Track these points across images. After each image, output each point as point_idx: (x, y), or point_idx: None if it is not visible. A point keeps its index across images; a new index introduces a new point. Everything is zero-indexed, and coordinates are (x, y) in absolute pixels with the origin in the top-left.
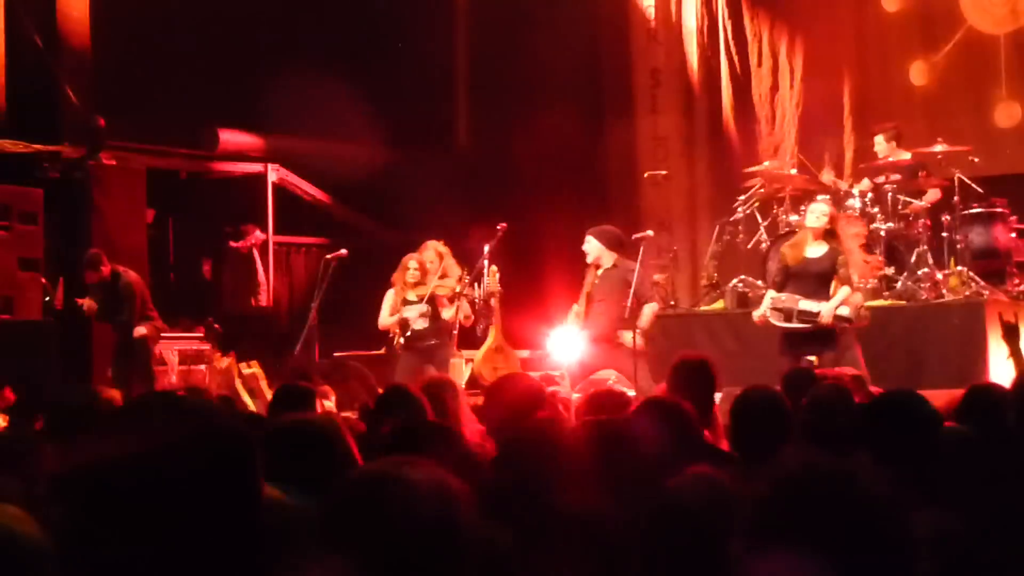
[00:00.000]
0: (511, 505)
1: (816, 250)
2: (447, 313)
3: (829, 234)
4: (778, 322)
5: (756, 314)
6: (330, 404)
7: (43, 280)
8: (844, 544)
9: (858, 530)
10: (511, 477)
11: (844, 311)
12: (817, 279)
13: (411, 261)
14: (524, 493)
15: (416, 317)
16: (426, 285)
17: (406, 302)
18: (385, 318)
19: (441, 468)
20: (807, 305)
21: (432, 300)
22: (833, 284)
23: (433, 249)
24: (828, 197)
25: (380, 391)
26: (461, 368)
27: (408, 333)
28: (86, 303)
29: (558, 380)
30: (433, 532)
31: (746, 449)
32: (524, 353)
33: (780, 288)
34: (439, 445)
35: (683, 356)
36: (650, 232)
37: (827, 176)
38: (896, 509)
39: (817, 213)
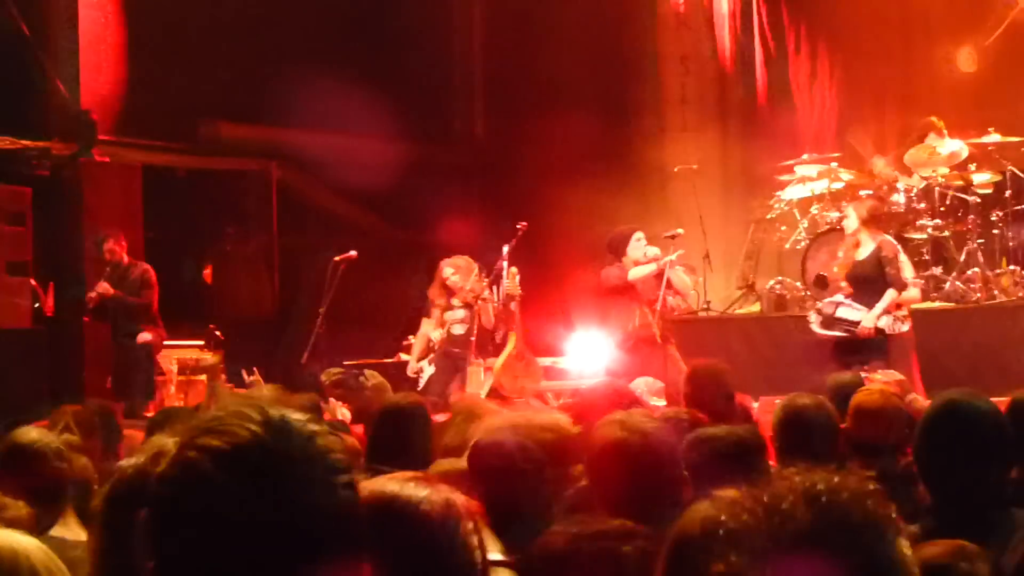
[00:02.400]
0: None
1: (863, 251)
2: (484, 319)
3: (868, 228)
4: (818, 328)
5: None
6: (346, 414)
7: (33, 283)
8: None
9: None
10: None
11: (884, 322)
12: (866, 282)
13: (446, 268)
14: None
15: (455, 322)
16: (464, 290)
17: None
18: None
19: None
20: (845, 313)
21: (468, 307)
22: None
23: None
24: (871, 192)
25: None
26: (479, 377)
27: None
28: (101, 286)
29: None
30: (441, 551)
31: (791, 460)
32: (546, 360)
33: (854, 296)
34: None
35: (695, 364)
36: (680, 230)
37: (878, 164)
38: (884, 528)
39: (850, 213)
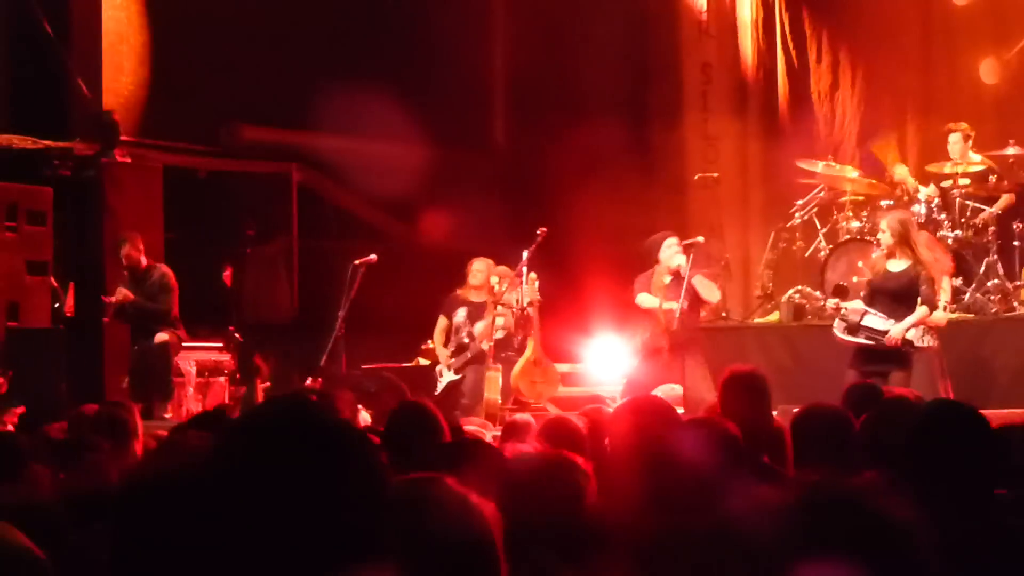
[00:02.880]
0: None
1: (897, 264)
2: (503, 321)
3: (904, 247)
4: (841, 333)
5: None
6: (366, 417)
7: (54, 283)
8: (854, 566)
9: (866, 554)
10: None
11: (912, 334)
12: (893, 296)
13: (477, 266)
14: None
15: (499, 328)
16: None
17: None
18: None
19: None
20: (872, 321)
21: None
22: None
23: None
24: (892, 203)
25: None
26: (497, 382)
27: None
28: (120, 292)
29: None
30: (463, 550)
31: (807, 468)
32: (564, 367)
33: (868, 302)
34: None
35: (733, 370)
36: (700, 238)
37: (899, 173)
38: (909, 532)
39: (884, 228)
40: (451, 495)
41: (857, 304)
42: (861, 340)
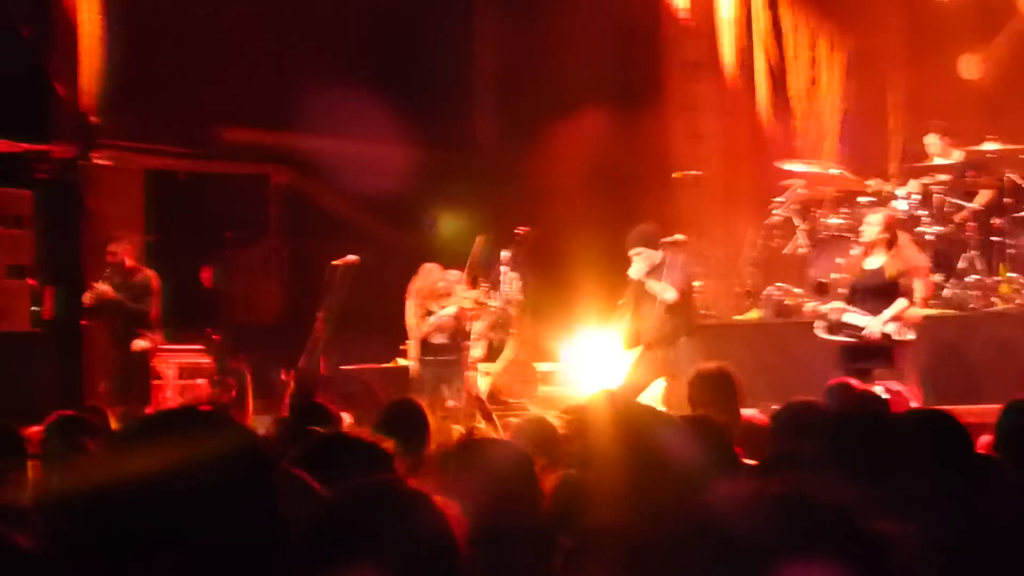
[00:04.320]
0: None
1: (874, 261)
2: (477, 326)
3: (887, 244)
4: (822, 333)
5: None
6: (346, 418)
7: (33, 282)
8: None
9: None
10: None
11: (891, 327)
12: (873, 292)
13: (435, 270)
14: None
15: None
16: (453, 296)
17: (429, 314)
18: (417, 327)
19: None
20: (852, 318)
21: (457, 314)
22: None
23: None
24: (874, 200)
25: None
26: (478, 382)
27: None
28: (100, 287)
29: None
30: (423, 553)
31: (787, 464)
32: (545, 366)
33: (850, 301)
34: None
35: (701, 368)
36: (682, 236)
37: (874, 183)
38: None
39: (872, 222)
40: (412, 497)
41: (836, 303)
42: (843, 338)
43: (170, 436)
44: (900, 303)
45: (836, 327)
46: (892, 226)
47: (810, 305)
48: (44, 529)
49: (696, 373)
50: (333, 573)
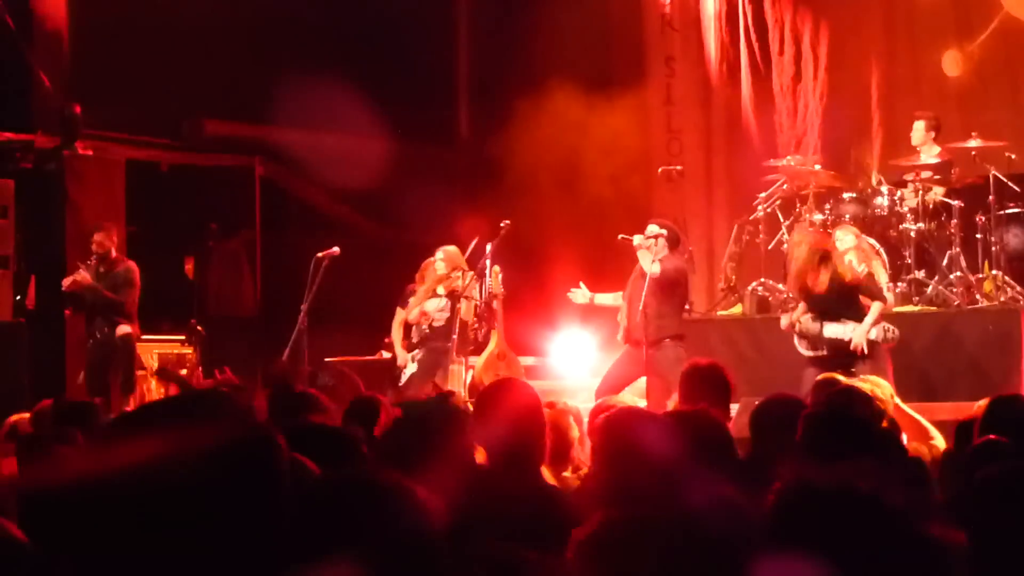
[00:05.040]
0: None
1: (822, 280)
2: (464, 310)
3: (824, 261)
4: (805, 351)
5: (785, 321)
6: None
7: (15, 267)
8: (846, 554)
9: (862, 541)
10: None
11: (875, 333)
12: (838, 300)
13: (437, 253)
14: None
15: (435, 311)
16: (449, 279)
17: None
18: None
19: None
20: (834, 331)
21: (452, 297)
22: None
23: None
24: (854, 195)
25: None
26: (461, 375)
27: (426, 328)
28: (79, 274)
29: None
30: (405, 544)
31: (767, 459)
32: (528, 360)
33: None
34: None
35: (693, 362)
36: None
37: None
38: (905, 520)
39: (842, 239)
40: (393, 488)
41: (807, 318)
42: (826, 352)
43: (167, 425)
44: (877, 307)
45: (817, 342)
46: (822, 243)
47: (784, 319)
48: (27, 521)
49: (689, 368)
50: (314, 563)
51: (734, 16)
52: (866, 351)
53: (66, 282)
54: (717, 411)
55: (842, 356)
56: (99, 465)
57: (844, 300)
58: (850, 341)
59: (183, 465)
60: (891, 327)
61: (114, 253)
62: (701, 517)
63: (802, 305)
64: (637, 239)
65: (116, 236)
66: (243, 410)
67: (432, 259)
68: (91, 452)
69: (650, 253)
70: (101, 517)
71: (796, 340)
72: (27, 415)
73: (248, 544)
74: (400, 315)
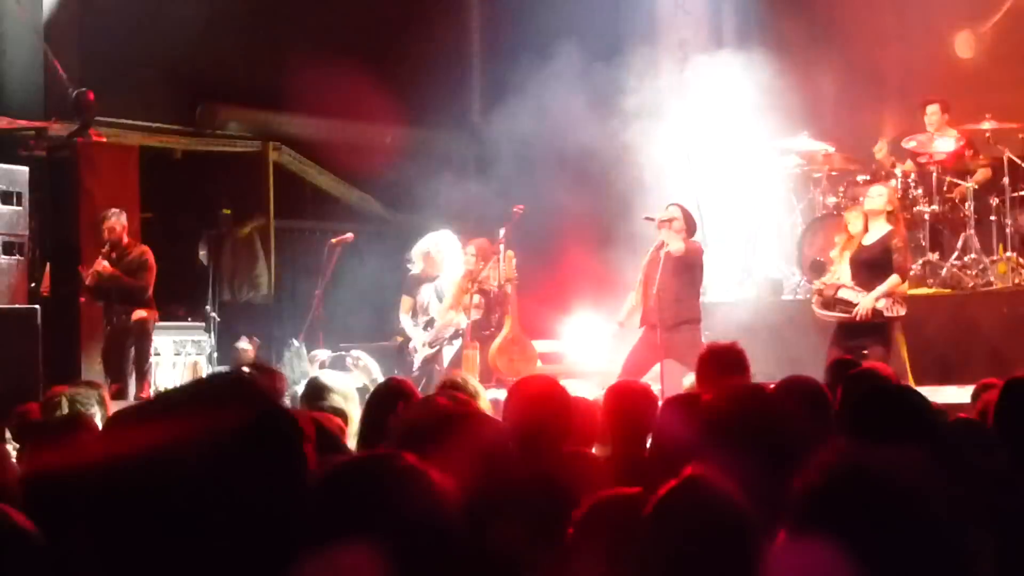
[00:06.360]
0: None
1: (870, 236)
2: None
3: (891, 215)
4: (818, 308)
5: (816, 284)
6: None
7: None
8: (884, 537)
9: (900, 524)
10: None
11: (882, 304)
12: (869, 266)
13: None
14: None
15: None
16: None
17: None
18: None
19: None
20: (846, 294)
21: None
22: None
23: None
24: (868, 178)
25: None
26: (475, 360)
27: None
28: (99, 263)
29: None
30: (421, 528)
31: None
32: (542, 344)
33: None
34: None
35: (712, 346)
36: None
37: (880, 152)
38: (948, 504)
39: (878, 194)
40: (409, 472)
41: (830, 278)
42: (837, 314)
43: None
44: (893, 279)
45: (831, 303)
46: (895, 200)
47: (816, 283)
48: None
49: (707, 349)
50: (330, 546)
51: None
52: (882, 325)
53: (88, 278)
54: None
55: (851, 325)
56: (114, 451)
57: (881, 263)
58: (856, 305)
59: (200, 450)
60: (901, 301)
61: (126, 239)
62: (700, 497)
63: (834, 270)
64: (660, 215)
65: (127, 221)
66: (263, 394)
67: (426, 248)
68: (106, 439)
69: (674, 232)
70: (115, 504)
71: (813, 298)
72: (36, 404)
73: (266, 529)
74: (407, 302)
